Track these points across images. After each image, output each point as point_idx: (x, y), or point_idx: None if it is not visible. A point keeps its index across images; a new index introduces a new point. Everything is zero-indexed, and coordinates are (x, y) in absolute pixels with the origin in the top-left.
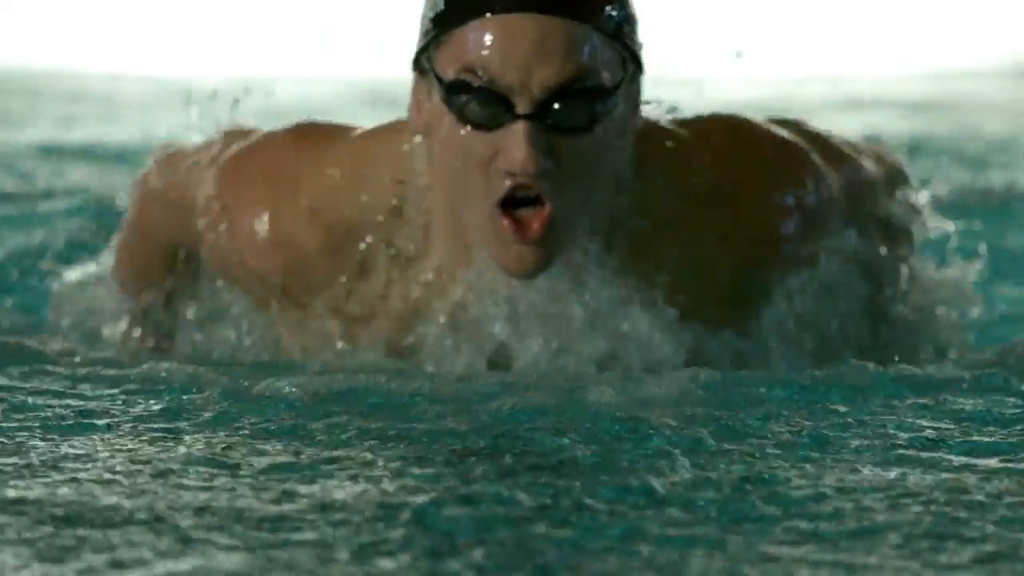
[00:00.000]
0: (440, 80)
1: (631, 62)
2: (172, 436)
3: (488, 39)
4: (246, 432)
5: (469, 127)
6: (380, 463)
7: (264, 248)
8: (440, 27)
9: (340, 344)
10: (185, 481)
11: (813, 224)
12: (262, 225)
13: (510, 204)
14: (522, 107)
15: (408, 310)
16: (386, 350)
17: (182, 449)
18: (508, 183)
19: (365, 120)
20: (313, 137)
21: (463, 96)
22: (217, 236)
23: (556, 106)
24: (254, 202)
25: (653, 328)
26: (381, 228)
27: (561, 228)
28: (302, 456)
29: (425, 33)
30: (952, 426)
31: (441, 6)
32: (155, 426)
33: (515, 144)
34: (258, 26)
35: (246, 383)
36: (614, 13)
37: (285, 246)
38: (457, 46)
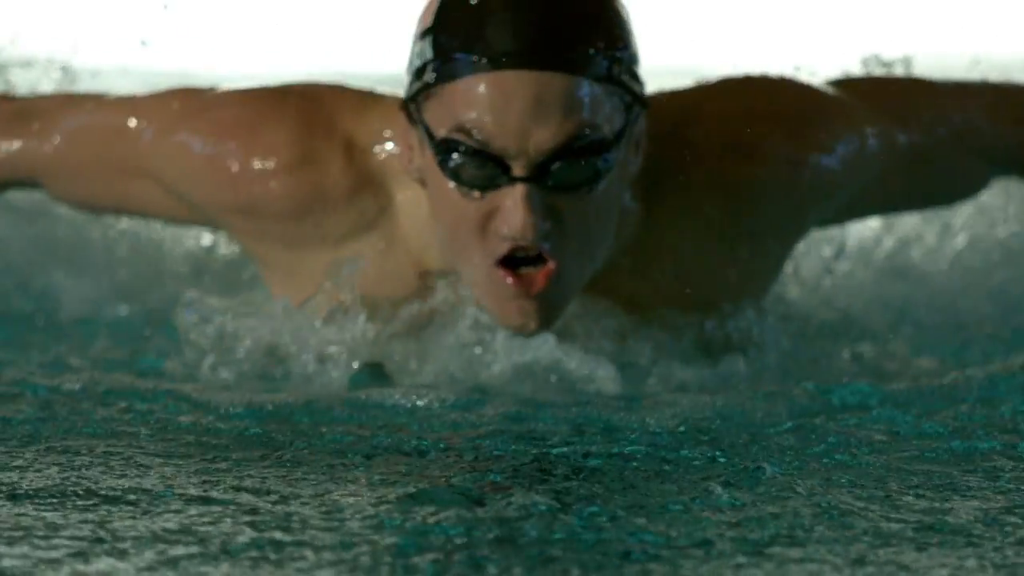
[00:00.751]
0: (431, 135)
1: (634, 102)
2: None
3: (481, 97)
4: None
5: (463, 188)
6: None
7: (290, 167)
8: (429, 79)
9: (320, 304)
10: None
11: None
12: (292, 147)
13: (510, 263)
14: (519, 170)
15: (393, 292)
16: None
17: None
18: (507, 245)
19: None
20: (351, 89)
21: (455, 156)
22: (225, 157)
23: (556, 166)
24: (285, 121)
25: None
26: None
27: (567, 283)
28: (304, 464)
29: (413, 81)
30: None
31: (430, 55)
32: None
33: (513, 208)
34: (251, 22)
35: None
36: (615, 55)
37: (312, 171)
38: (448, 102)
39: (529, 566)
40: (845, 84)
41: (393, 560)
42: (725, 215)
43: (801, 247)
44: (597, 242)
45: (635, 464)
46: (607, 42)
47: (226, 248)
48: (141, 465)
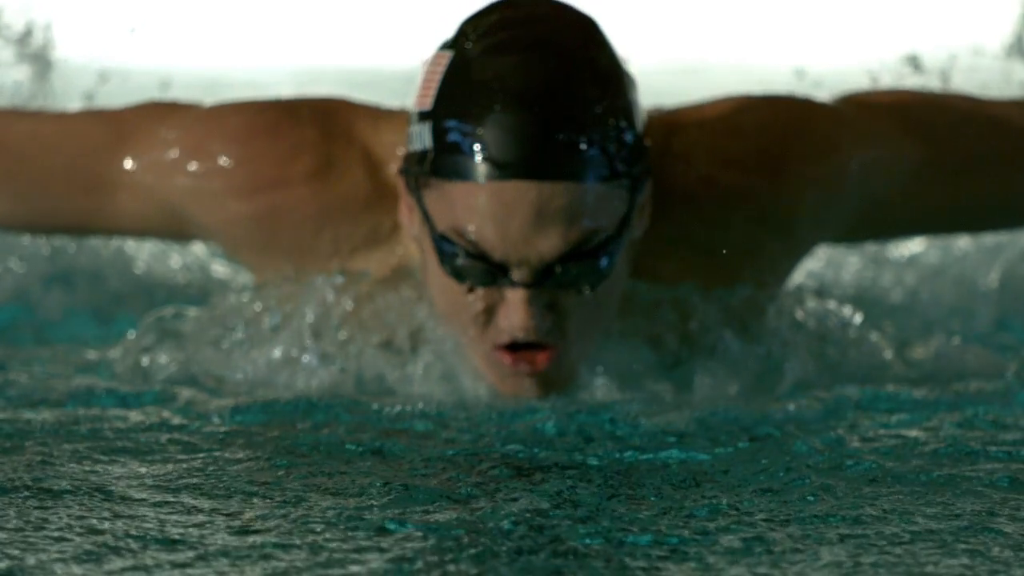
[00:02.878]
0: (430, 223)
1: (640, 177)
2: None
3: (481, 207)
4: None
5: (462, 281)
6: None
7: (316, 173)
8: (429, 171)
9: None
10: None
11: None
12: (316, 153)
13: (510, 346)
14: (521, 276)
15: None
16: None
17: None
18: (507, 336)
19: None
20: (359, 102)
21: (455, 255)
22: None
23: (559, 269)
24: (304, 127)
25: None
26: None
27: (570, 360)
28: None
29: (412, 160)
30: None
31: (429, 144)
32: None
33: (514, 308)
34: (241, 16)
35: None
36: (619, 145)
37: (336, 178)
38: (448, 201)
39: (525, 567)
40: (856, 98)
41: (388, 561)
42: (708, 227)
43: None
44: (603, 320)
45: (634, 464)
46: (609, 136)
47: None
48: (131, 465)
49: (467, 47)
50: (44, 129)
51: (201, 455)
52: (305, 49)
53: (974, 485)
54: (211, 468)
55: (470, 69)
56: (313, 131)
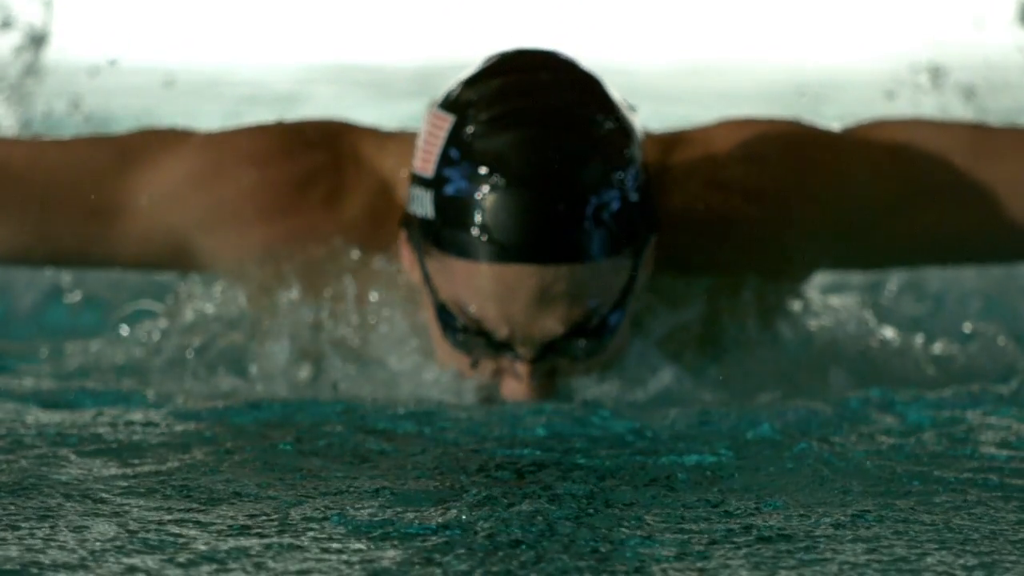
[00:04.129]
0: (431, 286)
1: (645, 238)
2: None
3: (483, 286)
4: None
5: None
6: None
7: (337, 195)
8: (430, 240)
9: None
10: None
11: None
12: (333, 174)
13: None
14: (523, 353)
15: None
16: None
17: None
18: (508, 398)
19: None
20: (363, 127)
21: (455, 325)
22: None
23: (562, 344)
24: (315, 149)
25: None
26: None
27: (570, 388)
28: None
29: (415, 221)
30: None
31: (431, 213)
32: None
33: (515, 381)
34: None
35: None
36: (623, 211)
37: (354, 200)
38: (449, 274)
39: (522, 567)
40: (860, 131)
41: (384, 562)
42: (697, 252)
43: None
44: (606, 363)
45: (633, 466)
46: (613, 209)
47: None
48: (119, 465)
49: (468, 115)
50: (46, 154)
51: (190, 455)
52: (305, 48)
53: (1009, 491)
54: (202, 469)
55: (472, 143)
56: (325, 154)
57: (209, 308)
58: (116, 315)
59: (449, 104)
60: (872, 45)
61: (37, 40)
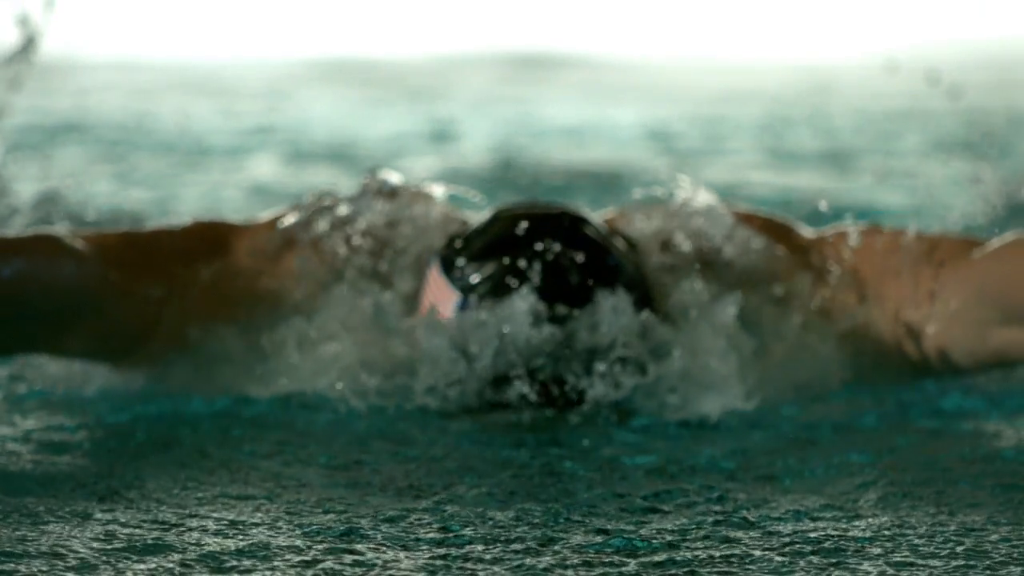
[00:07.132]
0: None
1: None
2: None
3: None
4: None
5: None
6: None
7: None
8: None
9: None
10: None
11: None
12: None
13: None
14: None
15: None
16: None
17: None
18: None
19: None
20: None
21: None
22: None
23: None
24: (242, 225)
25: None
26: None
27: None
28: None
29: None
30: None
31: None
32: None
33: None
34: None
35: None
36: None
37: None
38: None
39: (522, 567)
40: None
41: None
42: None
43: None
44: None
45: (632, 465)
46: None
47: None
48: (104, 467)
49: (470, 300)
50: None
51: (185, 455)
52: (303, 45)
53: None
54: (196, 469)
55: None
56: (250, 224)
57: None
58: None
59: (454, 282)
60: (872, 45)
61: (33, 40)
